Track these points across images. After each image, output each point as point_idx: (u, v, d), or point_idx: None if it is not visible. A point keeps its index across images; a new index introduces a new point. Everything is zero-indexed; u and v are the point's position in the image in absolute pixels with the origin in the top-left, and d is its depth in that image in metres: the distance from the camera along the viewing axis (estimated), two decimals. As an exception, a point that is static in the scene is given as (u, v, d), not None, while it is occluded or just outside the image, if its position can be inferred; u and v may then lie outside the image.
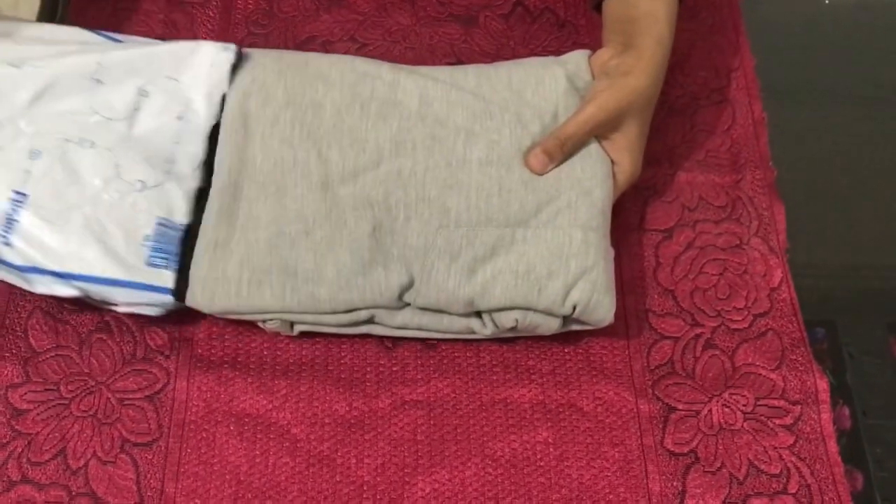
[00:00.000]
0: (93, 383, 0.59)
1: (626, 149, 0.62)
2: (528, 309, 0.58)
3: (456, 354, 0.61)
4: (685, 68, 0.75)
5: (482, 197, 0.59)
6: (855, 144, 0.73)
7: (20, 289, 0.61)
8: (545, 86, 0.63)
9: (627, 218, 0.67)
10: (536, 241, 0.58)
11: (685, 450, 0.59)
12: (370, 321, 0.59)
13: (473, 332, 0.60)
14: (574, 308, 0.58)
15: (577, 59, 0.64)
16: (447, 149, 0.60)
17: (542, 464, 0.58)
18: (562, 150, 0.60)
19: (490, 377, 0.60)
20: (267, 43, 0.73)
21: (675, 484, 0.58)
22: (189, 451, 0.57)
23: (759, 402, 0.60)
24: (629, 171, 0.62)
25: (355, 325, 0.60)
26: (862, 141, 0.73)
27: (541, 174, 0.60)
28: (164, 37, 0.72)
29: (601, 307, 0.58)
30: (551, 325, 0.59)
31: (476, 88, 0.62)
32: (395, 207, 0.58)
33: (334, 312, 0.58)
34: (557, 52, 0.66)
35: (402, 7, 0.76)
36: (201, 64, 0.63)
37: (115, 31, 0.72)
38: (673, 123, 0.72)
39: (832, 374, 0.62)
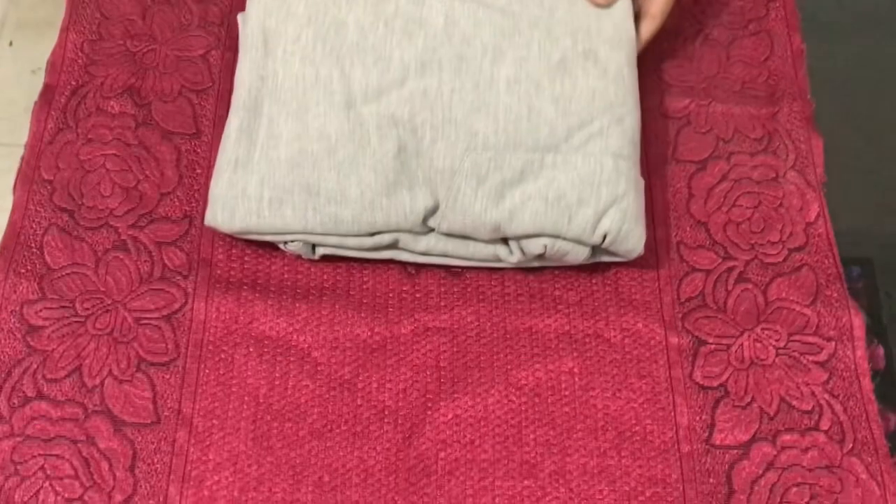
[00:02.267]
0: (109, 302, 0.57)
1: None
2: (556, 237, 0.56)
3: (480, 283, 0.59)
4: (722, -2, 0.72)
5: (510, 120, 0.56)
6: (897, 78, 0.71)
7: (35, 204, 0.60)
8: (578, 5, 0.60)
9: (660, 148, 0.65)
10: (566, 167, 0.56)
11: (715, 384, 0.57)
12: (394, 246, 0.58)
13: (499, 260, 0.58)
14: (604, 237, 0.56)
15: None
16: (474, 69, 0.57)
17: (566, 393, 0.56)
18: None
19: (515, 306, 0.59)
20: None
21: (703, 417, 0.56)
22: (207, 371, 0.56)
23: (791, 338, 0.59)
24: None
25: (378, 250, 0.58)
26: (905, 75, 0.71)
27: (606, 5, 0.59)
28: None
29: (631, 237, 0.56)
30: (579, 254, 0.57)
31: (506, 6, 0.59)
32: (420, 128, 0.56)
33: (357, 235, 0.56)
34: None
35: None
36: None
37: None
38: (708, 53, 0.70)
39: (867, 313, 0.60)
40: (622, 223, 0.55)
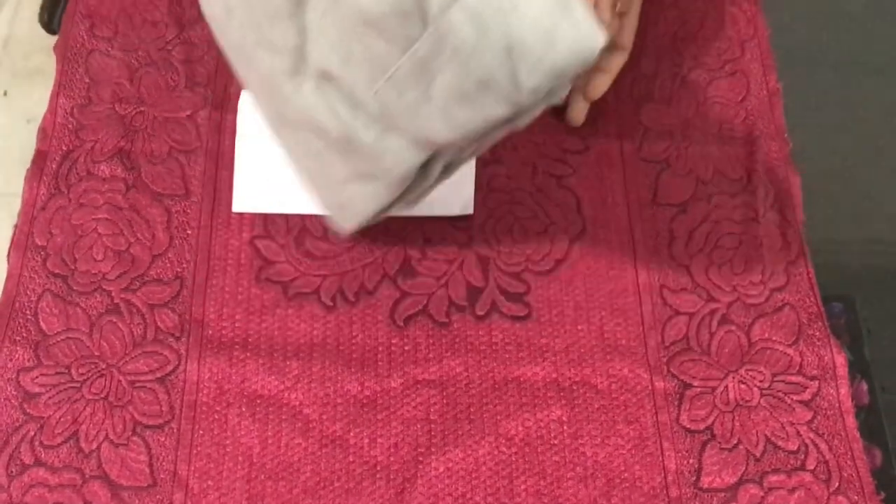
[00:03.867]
0: (104, 366, 0.58)
1: None
2: None
3: (468, 332, 0.60)
4: (698, 39, 0.74)
5: None
6: (872, 115, 0.72)
7: (29, 271, 0.61)
8: None
9: (641, 192, 0.66)
10: None
11: (701, 427, 0.58)
12: None
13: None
14: None
15: None
16: None
17: (555, 442, 0.57)
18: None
19: (502, 355, 0.60)
20: (272, 19, 0.72)
21: (690, 461, 0.57)
22: (201, 432, 0.57)
23: (775, 378, 0.60)
24: None
25: None
26: (879, 112, 0.72)
27: None
28: (169, 15, 0.71)
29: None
30: None
31: None
32: None
33: None
34: None
35: None
36: None
37: (119, 9, 0.71)
38: (686, 95, 0.71)
39: (850, 349, 0.62)
40: None
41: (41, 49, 1.36)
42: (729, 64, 0.73)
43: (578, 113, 0.66)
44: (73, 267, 0.61)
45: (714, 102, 0.71)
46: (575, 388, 0.59)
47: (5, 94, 1.36)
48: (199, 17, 0.71)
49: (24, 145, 1.32)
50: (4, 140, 1.31)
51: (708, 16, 0.75)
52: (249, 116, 0.67)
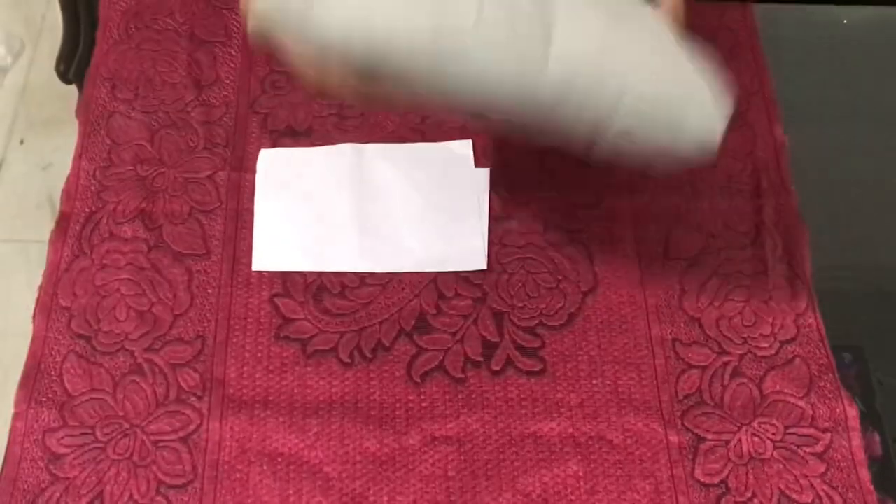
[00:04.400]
0: (127, 426, 0.60)
1: None
2: None
3: (484, 389, 0.62)
4: (704, 93, 0.75)
5: None
6: (878, 166, 0.73)
7: (54, 332, 0.62)
8: None
9: (651, 246, 0.68)
10: None
11: (716, 480, 0.59)
12: None
13: None
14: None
15: None
16: None
17: (572, 498, 0.58)
18: None
19: (519, 411, 0.61)
20: (289, 81, 0.74)
21: (706, 516, 0.58)
22: (223, 492, 0.58)
23: (788, 431, 0.60)
24: None
25: None
26: (886, 163, 0.73)
27: None
28: (188, 76, 0.74)
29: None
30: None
31: None
32: None
33: None
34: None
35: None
36: None
37: (140, 71, 0.74)
38: (693, 149, 0.72)
39: (861, 400, 0.62)
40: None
41: (57, 98, 1.38)
42: (735, 117, 0.74)
43: None
44: (96, 327, 0.63)
45: (722, 155, 0.72)
46: (591, 443, 0.60)
47: (22, 142, 1.39)
48: (217, 79, 0.74)
49: (40, 192, 1.35)
50: (21, 187, 1.34)
51: (713, 70, 0.76)
52: (267, 176, 0.69)
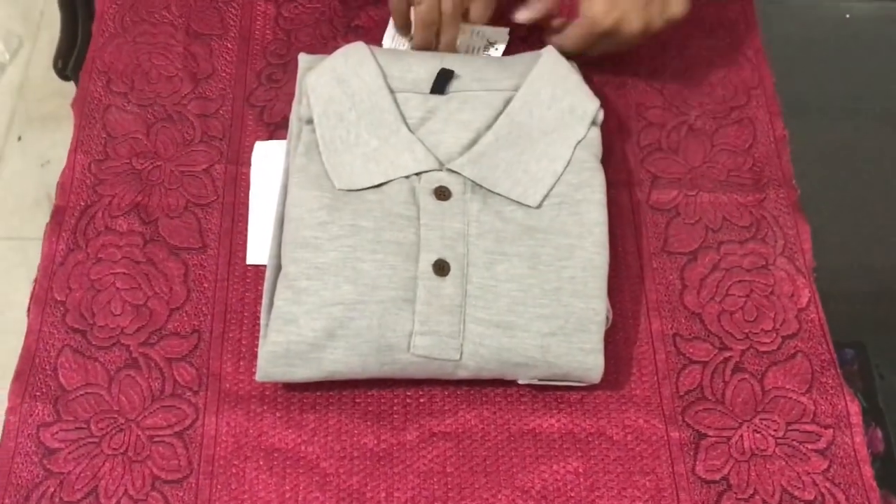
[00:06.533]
0: (122, 421, 0.59)
1: None
2: None
3: (483, 384, 0.61)
4: (704, 87, 0.75)
5: None
6: (879, 160, 0.73)
7: (49, 326, 0.62)
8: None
9: (651, 241, 0.67)
10: None
11: (717, 477, 0.58)
12: None
13: None
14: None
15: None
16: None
17: (572, 494, 0.57)
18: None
19: (518, 407, 0.60)
20: (285, 73, 0.73)
21: (707, 512, 0.57)
22: (219, 487, 0.57)
23: (790, 427, 0.60)
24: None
25: None
26: (889, 158, 0.73)
27: None
28: (184, 69, 0.73)
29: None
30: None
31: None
32: None
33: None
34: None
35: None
36: None
37: (135, 64, 0.73)
38: (693, 144, 0.72)
39: (863, 395, 0.62)
40: None
41: (55, 94, 1.38)
42: (735, 111, 0.74)
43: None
44: (91, 321, 0.62)
45: (721, 150, 0.72)
46: (591, 439, 0.59)
47: (20, 138, 1.38)
48: (213, 72, 0.73)
49: (38, 189, 1.35)
50: (19, 184, 1.33)
51: (713, 64, 0.76)
52: (262, 168, 0.69)
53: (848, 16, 0.77)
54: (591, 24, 0.66)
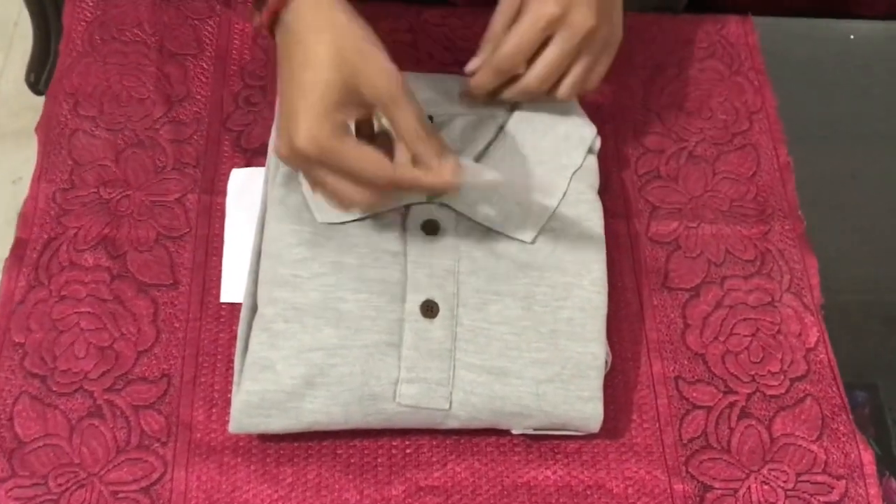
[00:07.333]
0: (84, 475, 0.54)
1: None
2: None
3: (474, 434, 0.57)
4: (703, 112, 0.71)
5: None
6: (890, 188, 0.69)
7: (6, 371, 0.57)
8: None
9: (650, 276, 0.64)
10: None
11: (724, 533, 0.55)
12: None
13: None
14: None
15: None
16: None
17: (570, 553, 0.53)
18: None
19: (511, 458, 0.56)
20: (264, 95, 0.69)
21: (714, 572, 0.53)
22: (189, 548, 0.53)
23: (800, 478, 0.56)
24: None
25: None
26: (897, 185, 0.69)
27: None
28: (156, 91, 0.69)
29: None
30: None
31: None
32: None
33: None
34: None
35: (404, 51, 0.72)
36: None
37: (105, 86, 0.69)
38: (694, 171, 0.68)
39: (876, 442, 0.58)
40: None
41: (28, 109, 1.33)
42: (737, 137, 0.70)
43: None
44: (52, 366, 0.58)
45: (724, 178, 0.68)
46: (589, 492, 0.55)
47: (-10, 155, 1.33)
48: (188, 94, 0.69)
49: (9, 208, 1.30)
50: (-11, 202, 1.28)
51: (713, 87, 0.73)
52: (239, 198, 0.65)
53: (852, 37, 0.74)
54: (538, 14, 0.54)
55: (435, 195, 0.56)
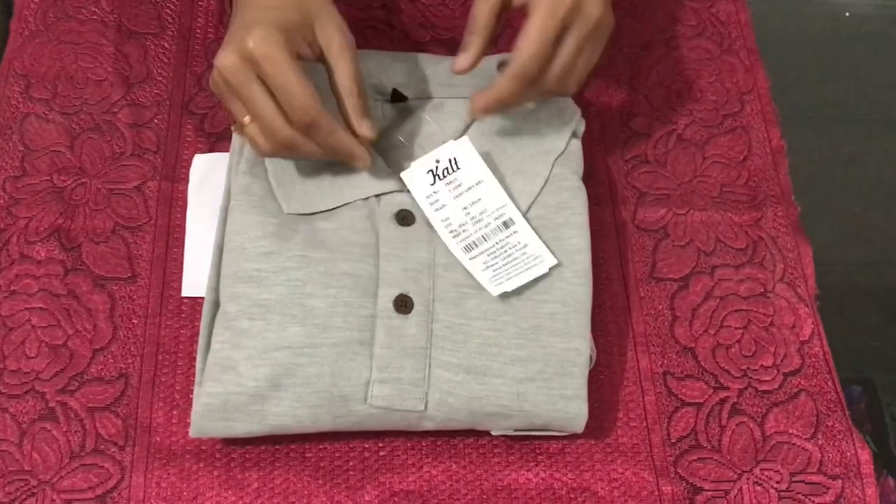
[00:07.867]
0: (35, 483, 0.51)
1: None
2: None
3: (452, 435, 0.54)
4: (693, 93, 0.68)
5: None
6: (889, 173, 0.66)
7: (-50, 373, 0.54)
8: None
9: (637, 266, 0.60)
10: None
11: (714, 537, 0.52)
12: None
13: None
14: None
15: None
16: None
17: (553, 561, 0.51)
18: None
19: (490, 460, 0.53)
20: (230, 77, 0.65)
21: (704, 578, 0.51)
22: (147, 561, 0.49)
23: (794, 479, 0.54)
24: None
25: None
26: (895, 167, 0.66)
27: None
28: (114, 72, 0.65)
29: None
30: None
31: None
32: None
33: None
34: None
35: (379, 31, 0.68)
36: None
37: (59, 67, 0.65)
38: (683, 155, 0.65)
39: (872, 439, 0.56)
40: None
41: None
42: (728, 119, 0.67)
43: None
44: (2, 365, 0.54)
45: (713, 162, 0.65)
46: (573, 495, 0.52)
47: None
48: (148, 76, 0.65)
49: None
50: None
51: (703, 67, 0.69)
52: (202, 185, 0.61)
53: (847, 14, 0.71)
54: (553, 6, 0.50)
55: (340, 160, 0.53)
